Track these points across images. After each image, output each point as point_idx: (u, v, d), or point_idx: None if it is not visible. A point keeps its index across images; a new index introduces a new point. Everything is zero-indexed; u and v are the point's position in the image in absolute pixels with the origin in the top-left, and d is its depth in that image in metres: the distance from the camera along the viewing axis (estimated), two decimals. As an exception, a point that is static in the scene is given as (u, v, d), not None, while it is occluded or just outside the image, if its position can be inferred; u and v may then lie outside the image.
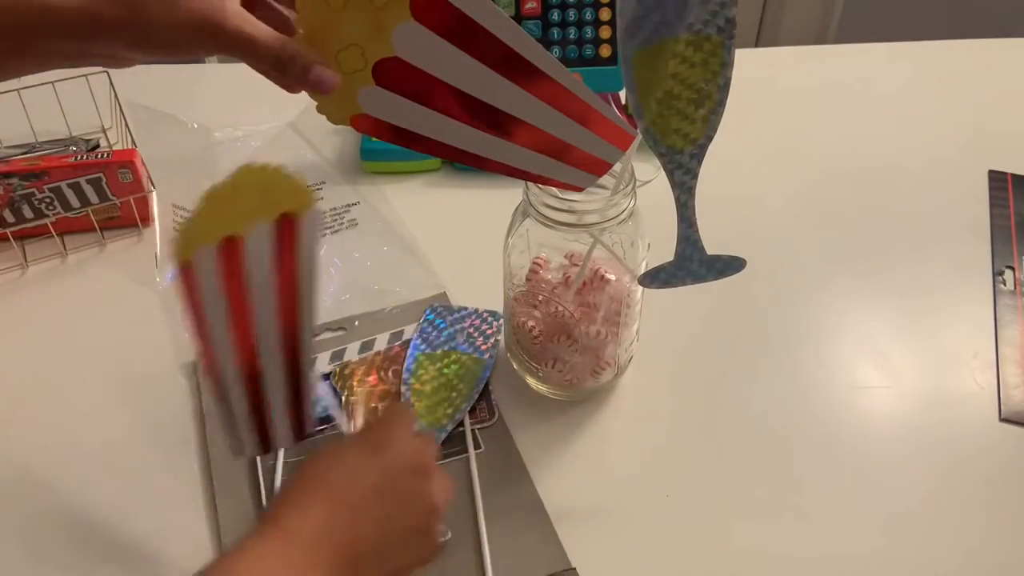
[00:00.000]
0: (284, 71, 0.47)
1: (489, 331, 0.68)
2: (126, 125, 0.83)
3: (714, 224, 0.53)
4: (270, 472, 0.59)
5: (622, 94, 0.89)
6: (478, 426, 0.62)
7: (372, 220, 0.80)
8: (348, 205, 0.82)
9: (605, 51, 0.86)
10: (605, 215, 0.54)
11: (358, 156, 0.87)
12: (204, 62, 1.09)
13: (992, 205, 0.83)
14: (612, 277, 0.59)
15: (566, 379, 0.62)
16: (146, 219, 0.79)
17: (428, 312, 0.70)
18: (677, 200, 0.50)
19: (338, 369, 0.66)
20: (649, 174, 0.78)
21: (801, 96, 0.99)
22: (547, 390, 0.64)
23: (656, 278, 0.52)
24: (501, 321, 0.69)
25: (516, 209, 0.59)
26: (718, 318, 0.71)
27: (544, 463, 0.60)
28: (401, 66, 0.46)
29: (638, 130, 0.48)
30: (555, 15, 0.85)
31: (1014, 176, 0.86)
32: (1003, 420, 0.64)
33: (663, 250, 0.53)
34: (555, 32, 0.85)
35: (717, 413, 0.64)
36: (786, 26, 1.93)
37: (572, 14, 0.85)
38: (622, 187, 0.54)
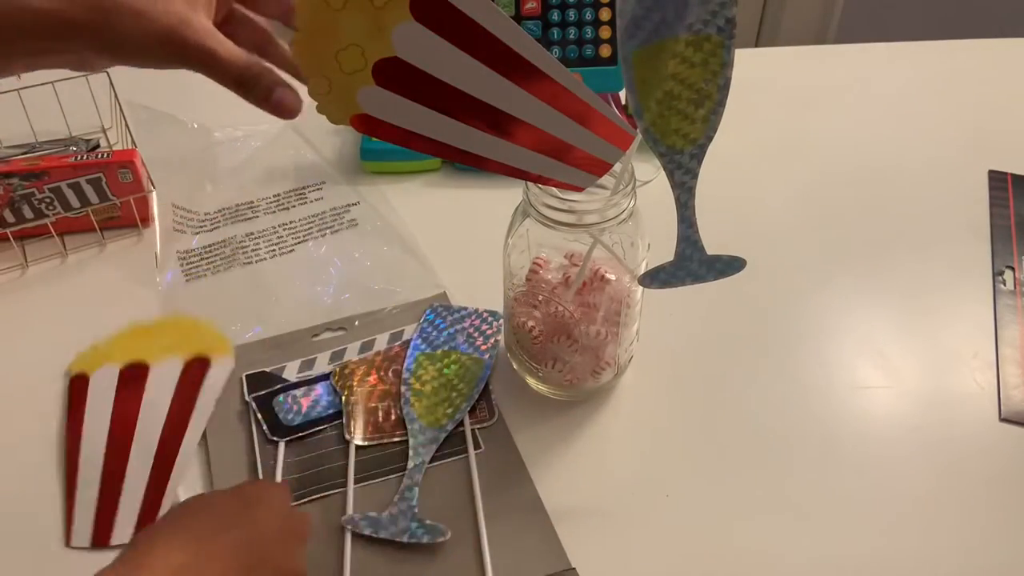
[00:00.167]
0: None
1: (489, 331, 0.68)
2: (126, 125, 0.83)
3: (714, 224, 0.53)
4: (271, 473, 0.59)
5: (622, 94, 0.89)
6: (478, 426, 0.62)
7: (372, 220, 0.80)
8: (348, 205, 0.82)
9: (605, 51, 0.86)
10: (605, 215, 0.54)
11: (358, 156, 0.87)
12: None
13: (992, 205, 0.83)
14: (612, 277, 0.59)
15: (566, 379, 0.62)
16: (146, 219, 0.79)
17: (428, 312, 0.70)
18: (677, 200, 0.50)
19: (338, 369, 0.66)
20: (649, 174, 0.78)
21: (801, 96, 0.99)
22: (547, 390, 0.64)
23: (656, 278, 0.52)
24: (501, 321, 0.69)
25: (516, 209, 0.59)
26: (718, 318, 0.71)
27: (544, 463, 0.60)
28: (401, 66, 0.46)
29: (638, 130, 0.48)
30: (555, 15, 0.85)
31: (1014, 176, 0.86)
32: (1003, 420, 0.64)
33: (663, 250, 0.53)
34: (555, 32, 0.85)
35: (717, 413, 0.64)
36: (786, 26, 1.93)
37: (572, 14, 0.85)
38: (622, 187, 0.54)
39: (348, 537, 0.55)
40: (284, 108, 0.48)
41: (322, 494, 0.58)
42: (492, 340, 0.67)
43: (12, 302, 0.72)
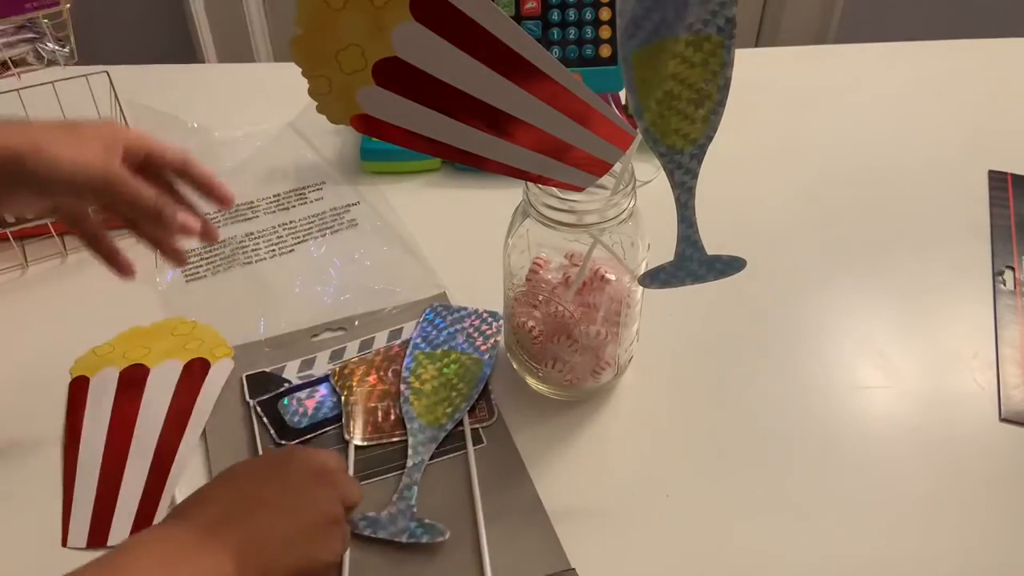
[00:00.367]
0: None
1: (489, 331, 0.68)
2: (126, 125, 0.83)
3: (714, 224, 0.53)
4: None
5: (622, 94, 0.89)
6: (477, 425, 0.62)
7: (372, 220, 0.80)
8: (348, 205, 0.82)
9: (605, 51, 0.86)
10: (605, 215, 0.54)
11: (358, 156, 0.87)
12: (204, 62, 1.09)
13: (992, 205, 0.83)
14: (612, 277, 0.59)
15: (566, 379, 0.62)
16: (146, 219, 0.79)
17: (428, 311, 0.70)
18: (677, 200, 0.50)
19: (338, 368, 0.66)
20: (649, 174, 0.78)
21: (801, 96, 0.99)
22: (547, 390, 0.64)
23: (656, 278, 0.52)
24: (501, 321, 0.69)
25: (516, 209, 0.59)
26: (718, 318, 0.71)
27: (544, 463, 0.60)
28: (401, 66, 0.46)
29: (638, 130, 0.48)
30: (555, 15, 0.85)
31: (1014, 176, 0.86)
32: (1003, 420, 0.64)
33: (663, 250, 0.53)
34: (555, 32, 0.85)
35: (717, 413, 0.64)
36: (786, 26, 1.93)
37: (572, 14, 0.85)
38: (622, 187, 0.54)
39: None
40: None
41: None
42: (492, 340, 0.67)
43: (12, 302, 0.72)
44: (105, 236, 0.60)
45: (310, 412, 0.63)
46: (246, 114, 0.93)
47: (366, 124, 0.48)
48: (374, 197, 0.83)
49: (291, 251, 0.77)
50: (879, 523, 0.57)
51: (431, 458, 0.60)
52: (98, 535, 0.56)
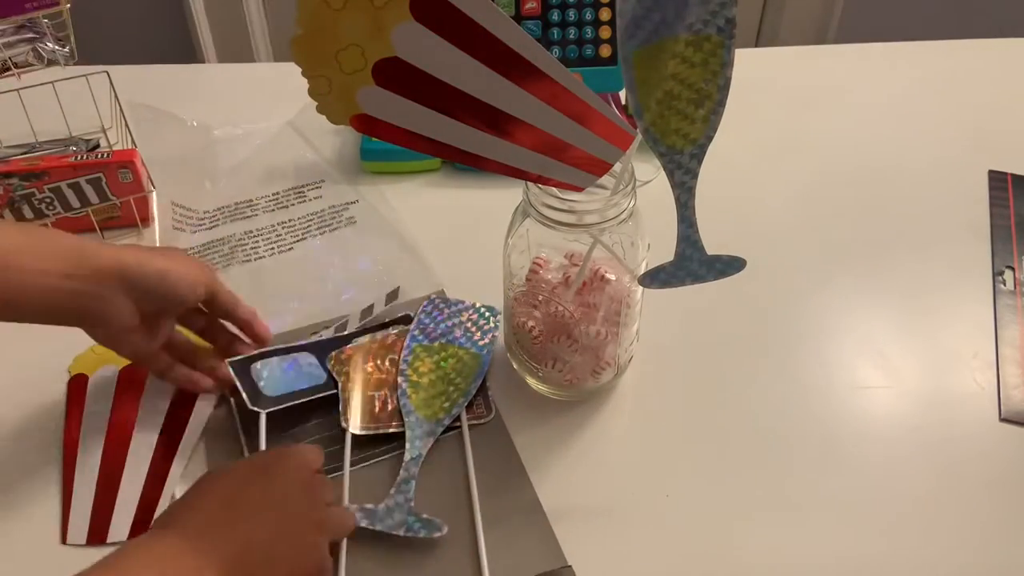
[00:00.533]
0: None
1: (487, 326, 0.68)
2: (126, 125, 0.83)
3: (714, 224, 0.53)
4: (255, 447, 0.59)
5: (622, 94, 0.89)
6: (475, 422, 0.62)
7: (371, 218, 0.80)
8: (347, 203, 0.82)
9: (605, 51, 0.86)
10: (605, 215, 0.54)
11: (358, 156, 0.87)
12: (204, 62, 1.09)
13: (992, 205, 0.83)
14: (612, 277, 0.59)
15: (566, 379, 0.62)
16: (146, 219, 0.79)
17: (426, 303, 0.70)
18: (677, 200, 0.50)
19: (335, 355, 0.66)
20: (649, 174, 0.78)
21: (801, 96, 0.99)
22: (547, 390, 0.64)
23: (656, 278, 0.52)
24: (498, 317, 0.69)
25: (516, 209, 0.59)
26: (718, 318, 0.71)
27: (544, 463, 0.60)
28: (401, 66, 0.46)
29: (638, 130, 0.48)
30: (555, 15, 0.85)
31: (1014, 176, 0.86)
32: (1003, 420, 0.64)
33: (663, 250, 0.53)
34: (555, 32, 0.85)
35: (717, 413, 0.64)
36: (786, 26, 1.93)
37: (572, 14, 0.85)
38: (622, 187, 0.54)
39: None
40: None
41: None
42: (490, 336, 0.67)
43: (12, 302, 0.72)
44: (175, 365, 0.62)
45: (285, 378, 0.62)
46: (246, 113, 0.93)
47: (366, 124, 0.48)
48: (374, 196, 0.83)
49: (290, 249, 0.77)
50: (879, 523, 0.57)
51: (428, 453, 0.60)
52: (98, 533, 0.56)
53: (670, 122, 0.47)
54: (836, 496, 0.59)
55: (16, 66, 0.80)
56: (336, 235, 0.79)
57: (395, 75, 0.46)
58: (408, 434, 0.60)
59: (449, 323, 0.68)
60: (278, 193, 0.84)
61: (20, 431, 0.62)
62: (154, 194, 0.80)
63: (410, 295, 0.72)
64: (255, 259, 0.76)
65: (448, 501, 0.57)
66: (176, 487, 0.58)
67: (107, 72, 0.85)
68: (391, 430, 0.61)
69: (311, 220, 0.80)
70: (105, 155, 0.76)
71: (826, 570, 0.55)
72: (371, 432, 0.61)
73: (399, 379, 0.64)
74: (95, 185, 0.75)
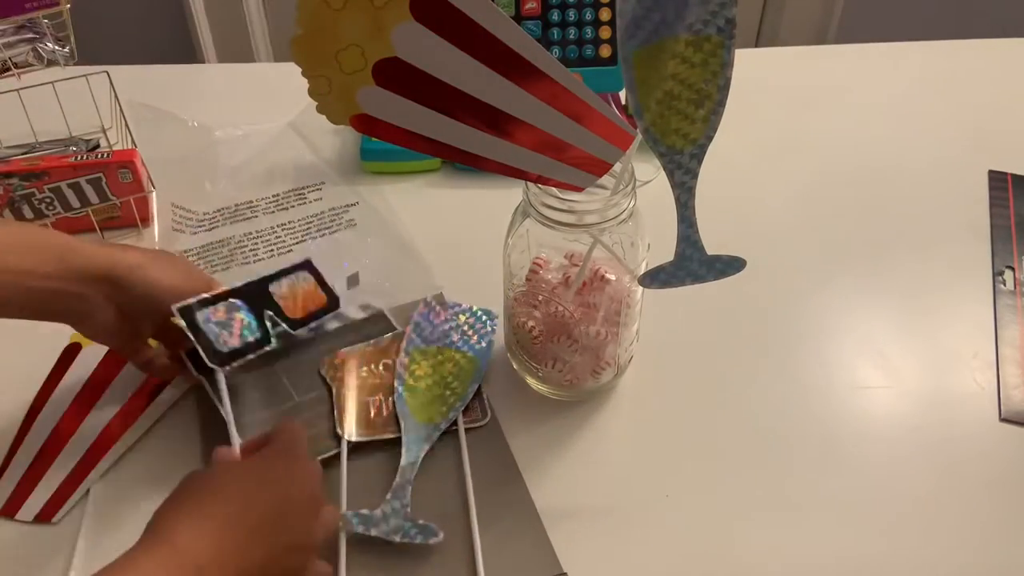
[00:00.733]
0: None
1: (484, 330, 0.68)
2: (126, 125, 0.83)
3: (714, 224, 0.53)
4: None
5: (622, 94, 0.89)
6: (471, 425, 0.62)
7: (370, 220, 0.80)
8: (347, 205, 0.82)
9: (605, 51, 0.86)
10: (605, 215, 0.54)
11: (358, 156, 0.87)
12: (204, 62, 1.09)
13: (992, 205, 0.83)
14: (612, 277, 0.59)
15: (566, 379, 0.62)
16: (146, 219, 0.79)
17: (422, 306, 0.70)
18: (677, 200, 0.50)
19: (328, 359, 0.65)
20: (649, 174, 0.78)
21: (801, 96, 0.99)
22: (547, 390, 0.64)
23: (656, 278, 0.52)
24: (495, 320, 0.69)
25: (516, 209, 0.59)
26: (718, 318, 0.71)
27: (542, 464, 0.60)
28: (401, 66, 0.46)
29: (638, 130, 0.48)
30: (555, 15, 0.85)
31: (1014, 176, 0.86)
32: (1003, 420, 0.64)
33: (663, 250, 0.53)
34: (555, 32, 0.85)
35: (717, 413, 0.64)
36: (786, 26, 1.93)
37: (572, 14, 0.85)
38: (622, 187, 0.54)
39: (342, 535, 0.55)
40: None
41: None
42: (487, 340, 0.67)
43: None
44: (156, 358, 0.62)
45: (232, 334, 0.60)
46: (246, 114, 0.93)
47: (366, 124, 0.48)
48: (373, 197, 0.83)
49: (290, 251, 0.77)
50: (879, 523, 0.57)
51: (424, 456, 0.59)
52: (11, 506, 0.57)
53: (670, 122, 0.47)
54: (836, 496, 0.59)
55: (16, 66, 0.80)
56: (336, 238, 0.79)
57: (395, 75, 0.46)
58: (404, 439, 0.60)
59: (446, 326, 0.68)
60: (278, 195, 0.83)
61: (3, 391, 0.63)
62: (154, 194, 0.80)
63: (409, 298, 0.72)
64: (255, 261, 0.76)
65: (444, 506, 0.57)
66: (96, 485, 0.58)
67: (107, 72, 0.85)
68: (387, 436, 0.61)
69: (311, 222, 0.80)
70: (105, 155, 0.76)
71: (826, 570, 0.55)
72: (367, 439, 0.61)
73: (396, 383, 0.64)
74: (95, 185, 0.75)
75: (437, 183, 0.86)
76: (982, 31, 1.10)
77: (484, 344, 0.67)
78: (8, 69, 0.80)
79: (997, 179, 0.86)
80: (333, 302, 0.69)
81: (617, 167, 0.53)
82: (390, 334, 0.68)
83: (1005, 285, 0.74)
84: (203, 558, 0.43)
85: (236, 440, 0.54)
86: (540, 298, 0.60)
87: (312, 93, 0.46)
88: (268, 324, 0.63)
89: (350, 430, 0.61)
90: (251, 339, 0.61)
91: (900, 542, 0.56)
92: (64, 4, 0.77)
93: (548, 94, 0.48)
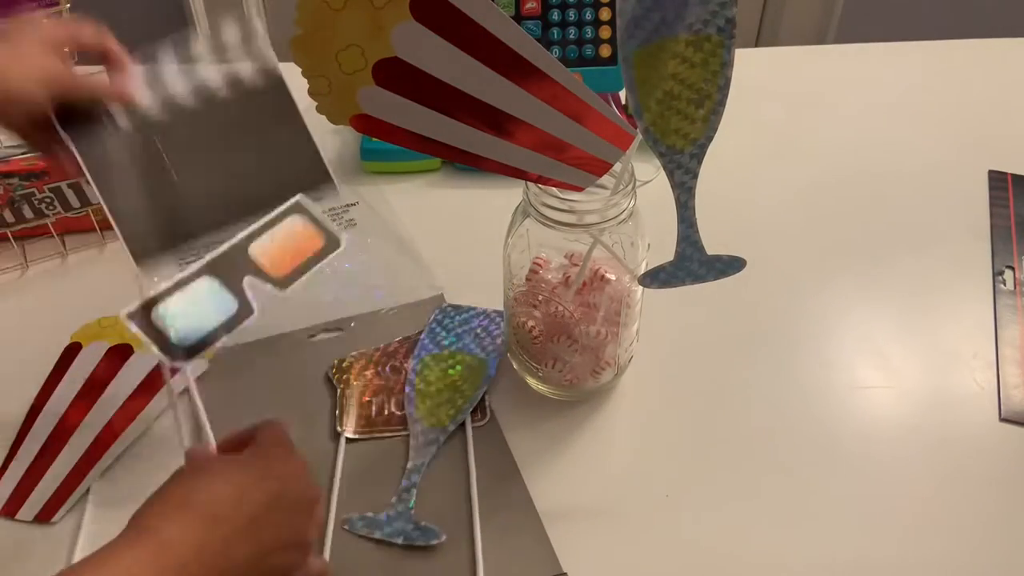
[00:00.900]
0: None
1: (496, 331, 0.68)
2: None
3: (714, 224, 0.53)
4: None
5: (622, 94, 0.89)
6: (472, 425, 0.62)
7: (370, 221, 0.80)
8: (347, 206, 0.82)
9: (605, 51, 0.86)
10: (605, 215, 0.54)
11: (358, 156, 0.87)
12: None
13: (992, 205, 0.83)
14: (612, 277, 0.59)
15: (566, 379, 0.62)
16: (146, 219, 0.79)
17: (437, 312, 0.70)
18: (677, 200, 0.50)
19: (336, 362, 0.65)
20: (649, 174, 0.78)
21: (801, 96, 0.99)
22: (547, 390, 0.64)
23: (656, 278, 0.52)
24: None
25: (516, 209, 0.59)
26: (718, 318, 0.71)
27: (542, 464, 0.60)
28: (401, 66, 0.46)
29: (638, 130, 0.48)
30: (555, 15, 0.85)
31: (1014, 176, 0.86)
32: (1003, 420, 0.64)
33: (663, 250, 0.53)
34: (555, 32, 0.85)
35: (717, 413, 0.64)
36: (786, 26, 1.93)
37: (572, 14, 0.85)
38: (622, 187, 0.54)
39: (330, 532, 0.55)
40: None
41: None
42: (499, 340, 0.67)
43: (12, 302, 0.72)
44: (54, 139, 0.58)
45: (196, 317, 0.54)
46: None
47: (366, 124, 0.48)
48: (374, 197, 0.83)
49: (291, 251, 0.77)
50: (879, 523, 0.57)
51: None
52: (11, 506, 0.57)
53: (670, 122, 0.47)
54: (836, 496, 0.59)
55: (16, 66, 0.80)
56: (336, 235, 0.79)
57: (395, 75, 0.46)
58: (412, 443, 0.60)
59: (460, 331, 0.68)
60: (278, 193, 0.83)
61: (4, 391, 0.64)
62: (154, 194, 0.80)
63: (409, 299, 0.72)
64: (255, 259, 0.76)
65: (445, 506, 0.57)
66: (96, 482, 0.59)
67: (107, 72, 0.85)
68: (387, 435, 0.61)
69: (311, 220, 0.80)
70: (105, 155, 0.75)
71: (827, 570, 0.55)
72: (366, 437, 0.61)
73: (407, 388, 0.64)
74: (95, 185, 0.75)
75: (437, 183, 0.86)
76: (982, 31, 1.10)
77: (495, 345, 0.67)
78: (8, 69, 0.80)
79: (997, 179, 0.86)
80: (332, 242, 0.57)
81: (617, 167, 0.53)
82: (399, 337, 0.68)
83: (1005, 285, 0.74)
84: (186, 553, 0.42)
85: (210, 437, 0.51)
86: (540, 298, 0.60)
87: (312, 93, 0.47)
88: (249, 292, 0.54)
89: (350, 427, 0.61)
90: (222, 318, 0.52)
91: (900, 542, 0.56)
92: (64, 4, 0.77)
93: (548, 94, 0.48)
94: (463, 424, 0.62)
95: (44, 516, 0.56)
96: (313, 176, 0.65)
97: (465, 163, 0.50)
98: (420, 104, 0.47)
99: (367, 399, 0.63)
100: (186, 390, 0.63)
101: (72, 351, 0.66)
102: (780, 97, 0.98)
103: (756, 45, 1.98)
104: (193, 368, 0.66)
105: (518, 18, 0.85)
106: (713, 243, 0.51)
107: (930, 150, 0.90)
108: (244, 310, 0.53)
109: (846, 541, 0.56)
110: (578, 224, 0.55)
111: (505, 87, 0.47)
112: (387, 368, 0.65)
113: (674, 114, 0.47)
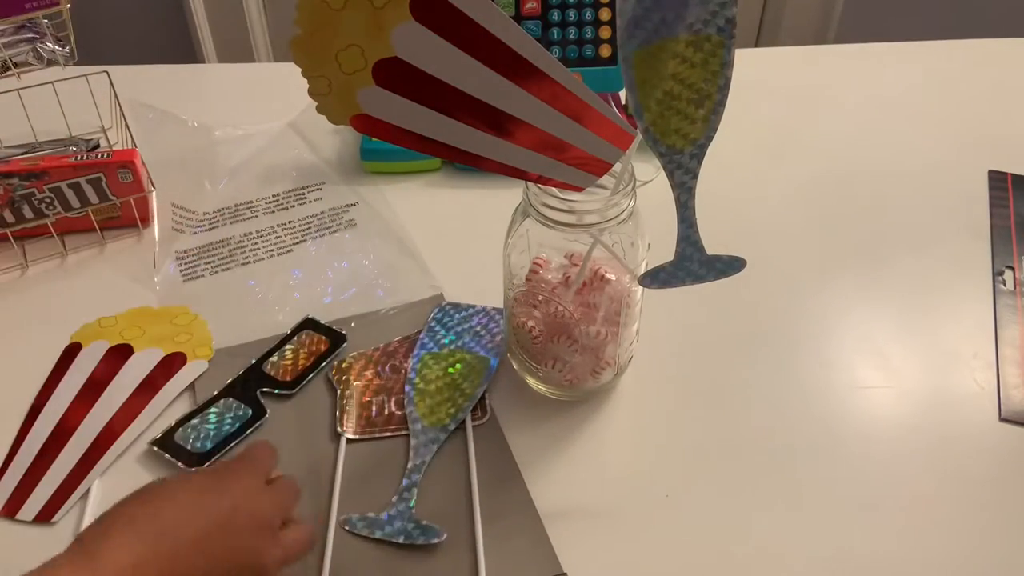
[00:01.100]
0: None
1: (496, 329, 0.68)
2: (126, 125, 0.83)
3: (714, 224, 0.53)
4: None
5: (622, 94, 0.89)
6: (472, 424, 0.62)
7: (370, 221, 0.80)
8: (347, 206, 0.82)
9: (605, 51, 0.86)
10: (605, 215, 0.54)
11: (358, 156, 0.87)
12: (204, 62, 1.09)
13: (992, 205, 0.83)
14: (612, 277, 0.59)
15: (566, 379, 0.62)
16: (146, 219, 0.79)
17: (436, 310, 0.70)
18: (677, 200, 0.50)
19: (336, 363, 0.65)
20: (649, 174, 0.78)
21: (801, 96, 0.99)
22: (547, 390, 0.64)
23: (656, 278, 0.52)
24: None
25: (516, 209, 0.59)
26: (718, 318, 0.71)
27: (542, 464, 0.60)
28: (401, 66, 0.46)
29: (638, 130, 0.48)
30: (555, 15, 0.85)
31: (1014, 176, 0.86)
32: (1003, 420, 0.64)
33: (663, 250, 0.53)
34: (555, 32, 0.85)
35: (717, 413, 0.64)
36: (786, 26, 1.93)
37: (572, 14, 0.85)
38: (622, 187, 0.54)
39: (331, 532, 0.55)
40: None
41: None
42: (499, 338, 0.67)
43: (12, 302, 0.72)
44: None
45: (212, 433, 0.61)
46: (246, 114, 0.93)
47: (366, 124, 0.48)
48: (373, 197, 0.83)
49: (289, 251, 0.77)
50: (879, 523, 0.57)
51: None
52: (11, 506, 0.57)
53: (670, 122, 0.47)
54: (836, 496, 0.59)
55: (16, 66, 0.80)
56: (335, 238, 0.79)
57: (395, 75, 0.46)
58: (413, 442, 0.60)
59: (459, 329, 0.68)
60: (278, 195, 0.83)
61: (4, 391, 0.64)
62: (154, 194, 0.80)
63: (408, 299, 0.72)
64: (254, 261, 0.76)
65: (445, 505, 0.57)
66: (96, 483, 0.58)
67: (107, 72, 0.85)
68: (387, 435, 0.61)
69: (311, 222, 0.80)
70: (105, 155, 0.76)
71: (827, 570, 0.55)
72: (366, 437, 0.61)
73: (406, 387, 0.64)
74: (95, 185, 0.75)
75: (437, 183, 0.86)
76: (982, 31, 1.10)
77: (496, 342, 0.67)
78: (8, 69, 0.80)
79: (997, 179, 0.86)
80: (337, 340, 0.68)
81: (617, 167, 0.53)
82: (399, 337, 0.68)
83: (1005, 285, 0.74)
84: (124, 571, 0.41)
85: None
86: (540, 298, 0.60)
87: (312, 93, 0.46)
88: (261, 400, 0.63)
89: (350, 428, 0.61)
90: (236, 427, 0.61)
91: (900, 542, 0.56)
92: (64, 4, 0.77)
93: (548, 94, 0.48)
94: (463, 423, 0.62)
95: (44, 516, 0.56)
96: None
97: (465, 163, 0.50)
98: (420, 104, 0.47)
99: (367, 399, 0.63)
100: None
101: (72, 351, 0.66)
102: (780, 97, 0.98)
103: (756, 45, 1.98)
104: (193, 368, 0.66)
105: (518, 18, 0.85)
106: (713, 243, 0.51)
107: (930, 150, 0.90)
108: (259, 412, 0.62)
109: (846, 541, 0.56)
110: (578, 224, 0.55)
111: (505, 87, 0.47)
112: (387, 368, 0.66)
113: (674, 114, 0.47)
